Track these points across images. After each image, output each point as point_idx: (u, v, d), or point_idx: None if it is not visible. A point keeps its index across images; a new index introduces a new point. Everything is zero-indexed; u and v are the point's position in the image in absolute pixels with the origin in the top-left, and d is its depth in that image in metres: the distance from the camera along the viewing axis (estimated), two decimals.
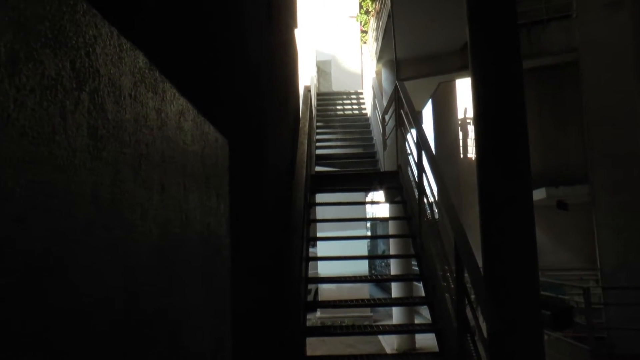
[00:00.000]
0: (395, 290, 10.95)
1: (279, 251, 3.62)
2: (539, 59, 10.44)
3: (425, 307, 5.68)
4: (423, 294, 4.86)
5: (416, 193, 5.37)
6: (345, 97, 12.58)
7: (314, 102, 10.12)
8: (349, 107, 12.18)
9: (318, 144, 9.46)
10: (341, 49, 14.63)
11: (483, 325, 3.31)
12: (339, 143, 9.86)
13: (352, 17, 14.60)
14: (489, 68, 4.30)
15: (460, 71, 10.52)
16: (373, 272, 24.66)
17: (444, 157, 15.53)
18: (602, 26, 9.10)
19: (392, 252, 11.22)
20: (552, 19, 10.04)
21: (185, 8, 1.52)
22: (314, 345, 7.94)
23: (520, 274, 3.98)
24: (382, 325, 4.46)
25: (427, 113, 18.61)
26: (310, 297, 13.62)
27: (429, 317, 4.56)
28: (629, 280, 8.28)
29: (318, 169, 8.46)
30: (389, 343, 10.11)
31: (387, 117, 7.97)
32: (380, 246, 25.76)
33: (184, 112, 1.36)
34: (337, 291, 11.23)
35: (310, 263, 5.78)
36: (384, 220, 20.74)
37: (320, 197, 7.16)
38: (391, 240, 11.20)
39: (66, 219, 0.75)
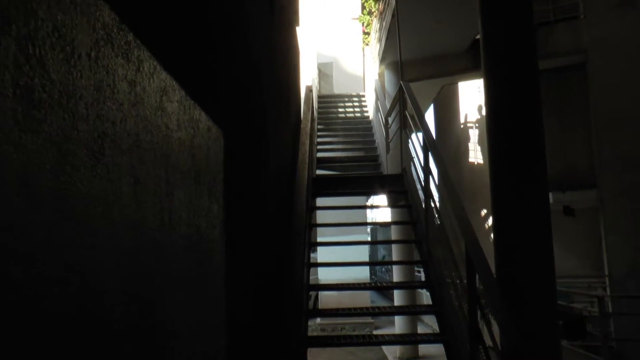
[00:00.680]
0: (398, 297, 10.68)
1: (280, 257, 3.39)
2: (545, 61, 10.20)
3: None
4: (426, 301, 4.64)
5: (422, 196, 5.15)
6: (347, 99, 12.37)
7: (315, 103, 9.91)
8: (351, 109, 11.97)
9: (319, 146, 9.26)
10: (343, 51, 14.42)
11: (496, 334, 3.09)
12: (340, 146, 9.65)
13: (354, 18, 14.40)
14: (504, 65, 4.07)
15: (466, 73, 10.31)
16: (374, 277, 24.41)
17: (446, 161, 15.27)
18: (612, 27, 8.88)
19: (394, 257, 10.97)
20: (560, 20, 9.81)
21: None
22: (314, 352, 7.69)
23: (536, 280, 3.74)
24: (387, 335, 4.21)
25: (429, 117, 18.39)
26: (310, 303, 13.36)
27: (431, 323, 4.33)
28: (638, 288, 8.03)
29: (319, 172, 8.25)
30: (392, 351, 9.84)
31: (390, 120, 7.75)
32: (381, 251, 25.47)
33: (167, 90, 1.13)
34: (338, 297, 10.97)
35: (311, 268, 5.54)
36: (386, 225, 20.49)
37: (320, 202, 6.94)
38: (394, 246, 10.95)
39: None
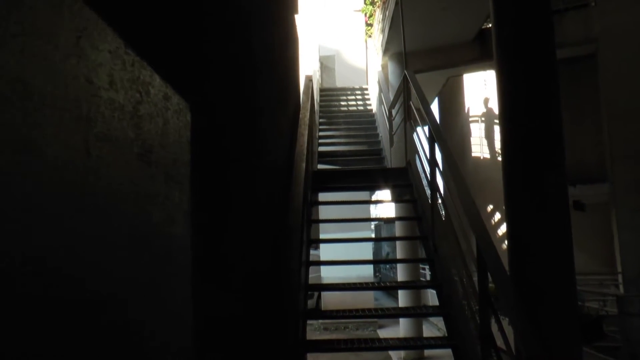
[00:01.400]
0: (403, 296, 10.38)
1: (274, 255, 3.09)
2: None
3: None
4: (431, 299, 4.36)
5: (428, 190, 4.85)
6: (349, 92, 12.07)
7: (316, 96, 9.61)
8: (353, 102, 11.66)
9: (321, 140, 8.97)
10: (345, 43, 14.11)
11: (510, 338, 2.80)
12: (342, 140, 9.36)
13: (356, 10, 14.07)
14: (518, 52, 3.75)
15: (472, 63, 9.98)
16: (378, 274, 24.10)
17: None
18: (625, 15, 8.51)
19: (398, 254, 10.68)
20: (570, 8, 9.45)
21: None
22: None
23: (554, 280, 3.43)
24: (391, 339, 3.93)
25: (433, 111, 18.08)
26: (313, 302, 13.10)
27: (437, 322, 4.04)
28: None
29: (320, 167, 7.97)
30: (396, 351, 9.56)
31: (394, 112, 7.45)
32: (385, 248, 25.14)
33: (90, 32, 0.83)
34: (341, 296, 10.71)
35: (313, 266, 5.25)
36: (390, 220, 20.23)
37: (322, 197, 6.65)
38: (398, 242, 10.64)
39: None
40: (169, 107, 1.18)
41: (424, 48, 10.06)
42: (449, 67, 10.48)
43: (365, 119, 10.32)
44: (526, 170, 3.68)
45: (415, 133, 5.81)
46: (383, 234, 26.48)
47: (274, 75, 3.85)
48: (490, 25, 10.10)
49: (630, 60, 8.50)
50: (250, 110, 2.52)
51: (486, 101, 15.87)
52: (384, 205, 24.47)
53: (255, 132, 2.67)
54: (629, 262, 8.13)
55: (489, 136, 15.84)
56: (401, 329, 10.19)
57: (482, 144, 15.96)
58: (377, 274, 24.17)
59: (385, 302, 17.46)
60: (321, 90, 11.69)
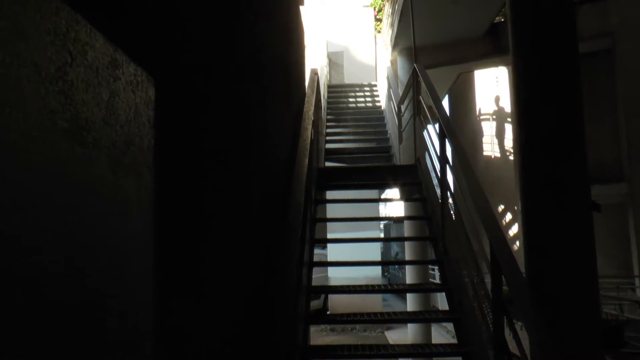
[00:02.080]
0: (411, 298, 10.13)
1: (271, 256, 2.87)
2: None
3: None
4: (441, 302, 4.13)
5: (438, 189, 4.62)
6: (358, 89, 11.83)
7: (324, 93, 9.38)
8: (362, 99, 11.43)
9: (328, 137, 8.76)
10: (354, 39, 13.85)
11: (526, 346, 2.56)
12: (350, 137, 9.14)
13: (365, 6, 13.82)
14: (535, 45, 3.50)
15: (484, 59, 9.69)
16: (386, 274, 23.84)
17: None
18: None
19: (407, 255, 10.43)
20: (584, 1, 9.14)
21: None
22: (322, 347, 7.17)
23: (575, 283, 3.17)
24: (398, 346, 3.71)
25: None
26: (319, 302, 12.88)
27: (447, 325, 3.80)
28: None
29: (328, 164, 7.77)
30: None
31: (403, 108, 7.21)
32: (394, 248, 24.86)
33: None
34: (349, 297, 10.49)
35: (318, 267, 5.03)
36: (399, 220, 19.97)
37: (329, 195, 6.44)
38: (407, 243, 10.39)
39: None
40: (119, 77, 0.96)
41: (433, 43, 9.80)
42: (459, 63, 10.20)
43: (373, 115, 10.10)
44: (545, 169, 3.43)
45: (425, 130, 5.58)
46: (393, 233, 26.22)
47: (277, 67, 3.63)
48: (502, 19, 9.82)
49: None
50: (243, 93, 2.29)
51: (497, 99, 15.56)
52: (393, 204, 24.16)
53: (249, 121, 2.44)
54: None
55: (500, 135, 15.53)
56: (409, 331, 9.95)
57: (493, 142, 15.66)
58: (386, 274, 23.92)
59: (394, 303, 17.22)
60: (329, 86, 11.46)
